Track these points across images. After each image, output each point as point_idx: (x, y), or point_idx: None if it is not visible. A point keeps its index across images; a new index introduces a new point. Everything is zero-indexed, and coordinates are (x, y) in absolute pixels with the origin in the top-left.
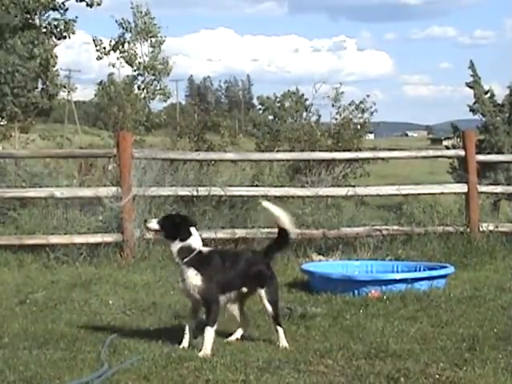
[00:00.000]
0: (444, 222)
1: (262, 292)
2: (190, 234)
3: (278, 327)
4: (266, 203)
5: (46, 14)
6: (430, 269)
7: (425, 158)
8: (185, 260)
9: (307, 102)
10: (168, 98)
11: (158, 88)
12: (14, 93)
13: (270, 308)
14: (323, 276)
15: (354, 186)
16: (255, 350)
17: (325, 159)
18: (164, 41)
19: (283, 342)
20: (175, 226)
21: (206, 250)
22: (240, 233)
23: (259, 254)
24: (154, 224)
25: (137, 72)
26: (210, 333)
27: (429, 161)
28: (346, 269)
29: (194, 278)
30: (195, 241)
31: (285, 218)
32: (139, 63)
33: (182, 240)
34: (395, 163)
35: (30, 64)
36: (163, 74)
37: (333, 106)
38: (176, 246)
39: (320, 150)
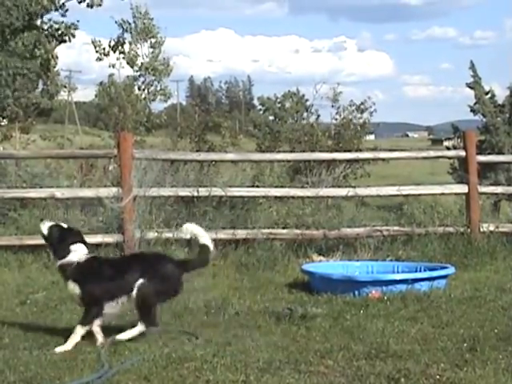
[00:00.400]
0: (444, 223)
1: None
2: (68, 252)
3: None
4: (187, 226)
5: (48, 16)
6: (431, 269)
7: (425, 159)
8: (66, 275)
9: (308, 103)
10: (168, 98)
11: (158, 89)
12: (14, 95)
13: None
14: (324, 276)
15: (354, 187)
16: (256, 350)
17: (325, 160)
18: (164, 41)
19: (122, 336)
20: (57, 242)
21: (84, 259)
22: (240, 233)
23: (177, 262)
24: (45, 228)
25: (137, 73)
26: (77, 331)
27: (429, 161)
28: (347, 269)
29: (73, 289)
30: (74, 256)
31: (206, 238)
32: (140, 64)
33: (61, 258)
34: (396, 164)
35: (31, 64)
36: (164, 75)
37: (332, 106)
38: (57, 263)
39: (320, 151)
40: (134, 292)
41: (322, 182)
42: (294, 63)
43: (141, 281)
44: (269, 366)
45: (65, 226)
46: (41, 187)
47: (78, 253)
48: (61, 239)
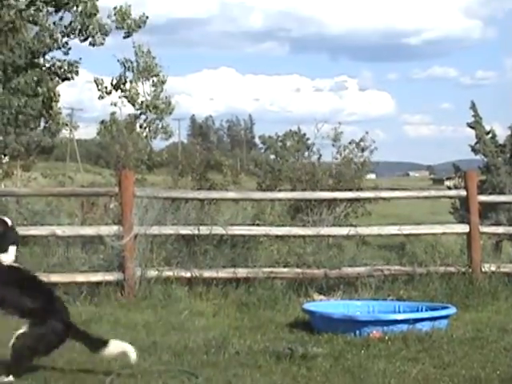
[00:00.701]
0: (446, 263)
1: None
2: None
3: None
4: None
5: (50, 54)
6: (432, 309)
7: (427, 198)
8: None
9: (309, 142)
10: (170, 136)
11: (160, 127)
12: (16, 132)
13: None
14: (324, 316)
15: (355, 226)
16: None
17: (326, 199)
18: (166, 80)
19: None
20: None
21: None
22: (241, 272)
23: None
24: None
25: (139, 111)
26: None
27: (430, 201)
28: (348, 309)
29: None
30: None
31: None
32: (141, 102)
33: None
34: (397, 203)
35: (33, 102)
36: (165, 113)
37: (333, 145)
38: None
39: (321, 190)
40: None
41: (322, 220)
42: (296, 102)
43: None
44: None
45: (10, 223)
46: (42, 225)
47: (10, 256)
48: (3, 235)
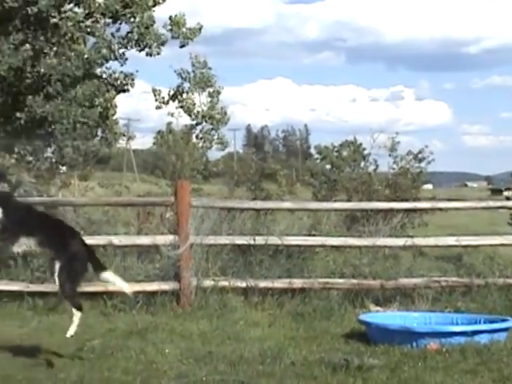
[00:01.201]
0: (505, 274)
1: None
2: None
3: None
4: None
5: (107, 65)
6: (491, 322)
7: (485, 209)
8: None
9: (365, 152)
10: (225, 147)
11: (215, 137)
12: (74, 143)
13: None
14: (381, 327)
15: (412, 237)
16: None
17: (382, 209)
18: (222, 90)
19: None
20: None
21: None
22: (297, 282)
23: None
24: None
25: (195, 121)
26: None
27: (489, 211)
28: (404, 320)
29: None
30: None
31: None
32: (197, 112)
33: None
34: (454, 213)
35: (90, 113)
36: (221, 124)
37: (389, 155)
38: None
39: (378, 200)
40: None
41: (379, 231)
42: (351, 112)
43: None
44: None
45: None
46: (99, 234)
47: None
48: None
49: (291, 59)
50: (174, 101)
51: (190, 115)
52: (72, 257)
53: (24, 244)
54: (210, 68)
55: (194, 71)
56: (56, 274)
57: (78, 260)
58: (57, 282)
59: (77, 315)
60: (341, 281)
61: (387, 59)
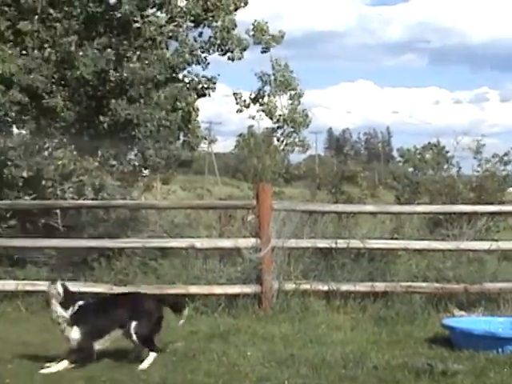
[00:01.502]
0: None
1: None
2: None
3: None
4: None
5: (189, 69)
6: None
7: None
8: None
9: (448, 154)
10: (307, 149)
11: (297, 140)
12: (156, 146)
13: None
14: (465, 332)
15: (496, 240)
16: None
17: (466, 212)
18: (303, 93)
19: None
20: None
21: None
22: (379, 286)
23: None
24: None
25: (276, 124)
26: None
27: None
28: (489, 325)
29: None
30: None
31: None
32: (279, 115)
33: None
34: None
35: (173, 116)
36: (302, 126)
37: (474, 158)
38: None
39: (462, 203)
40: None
41: (463, 234)
42: (434, 114)
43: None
44: None
45: None
46: (181, 237)
47: None
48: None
49: (373, 61)
50: (255, 104)
51: (272, 118)
52: (146, 313)
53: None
54: (291, 71)
55: (274, 74)
56: (132, 330)
57: (151, 315)
58: (134, 337)
59: (152, 355)
60: (424, 285)
61: (472, 60)
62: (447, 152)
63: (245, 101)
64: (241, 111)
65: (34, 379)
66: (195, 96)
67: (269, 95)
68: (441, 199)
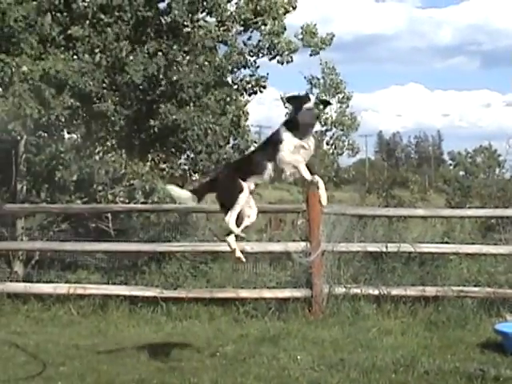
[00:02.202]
0: None
1: None
2: None
3: None
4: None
5: (238, 72)
6: None
7: None
8: None
9: (500, 158)
10: (357, 153)
11: (346, 143)
12: (206, 150)
13: None
14: None
15: None
16: None
17: None
18: (351, 96)
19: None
20: None
21: None
22: (430, 290)
23: None
24: None
25: (325, 127)
26: None
27: None
28: None
29: None
30: None
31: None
32: (327, 119)
33: None
34: None
35: (222, 121)
36: (351, 130)
37: None
38: None
39: None
40: None
41: None
42: (486, 117)
43: None
44: None
45: None
46: None
47: None
48: None
49: (423, 64)
50: None
51: (320, 121)
52: None
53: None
54: (337, 74)
55: (324, 77)
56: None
57: None
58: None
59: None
60: (476, 289)
61: None
62: (499, 155)
63: None
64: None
65: (85, 381)
66: (246, 99)
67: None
68: (493, 203)
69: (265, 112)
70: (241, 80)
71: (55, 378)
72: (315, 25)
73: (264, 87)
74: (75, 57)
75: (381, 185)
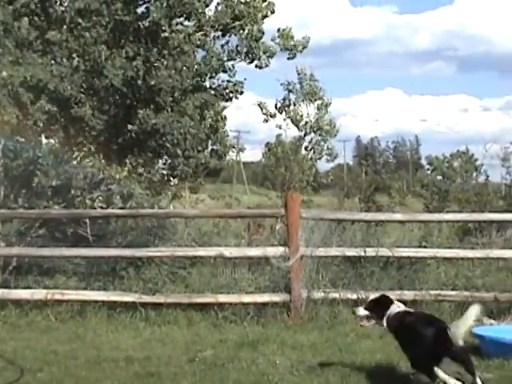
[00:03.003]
0: None
1: None
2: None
3: None
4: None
5: (216, 77)
6: None
7: None
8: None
9: (477, 163)
10: (335, 158)
11: (324, 148)
12: (184, 155)
13: None
14: (495, 341)
15: None
16: None
17: (496, 220)
18: (330, 103)
19: None
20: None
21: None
22: (408, 294)
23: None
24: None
25: (303, 133)
26: None
27: None
28: None
29: None
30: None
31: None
32: (305, 123)
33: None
34: None
35: (201, 126)
36: (330, 135)
37: (502, 166)
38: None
39: (491, 211)
40: None
41: (492, 243)
42: (463, 122)
43: None
44: None
45: None
46: (209, 246)
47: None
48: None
49: (401, 69)
50: (281, 113)
51: (298, 127)
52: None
53: None
54: (316, 80)
55: (300, 83)
56: None
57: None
58: None
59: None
60: (453, 293)
61: (500, 67)
62: (476, 160)
63: (269, 111)
64: (267, 121)
65: None
66: (223, 104)
67: (294, 104)
68: (470, 207)
69: (243, 117)
70: (218, 85)
71: None
72: (291, 28)
73: (241, 93)
74: (53, 62)
75: (362, 190)
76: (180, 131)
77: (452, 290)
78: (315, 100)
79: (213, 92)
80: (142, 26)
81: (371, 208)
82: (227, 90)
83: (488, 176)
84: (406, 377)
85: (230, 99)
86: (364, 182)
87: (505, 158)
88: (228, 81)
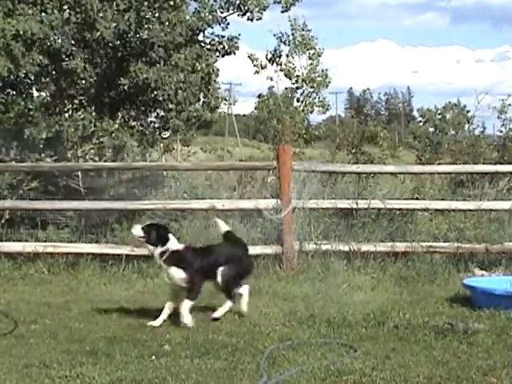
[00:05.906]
0: None
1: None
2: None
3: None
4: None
5: (209, 31)
6: None
7: None
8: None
9: (469, 114)
10: (327, 110)
11: (316, 100)
12: (177, 109)
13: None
14: (486, 291)
15: None
16: (415, 365)
17: (488, 172)
18: (322, 53)
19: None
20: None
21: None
22: (400, 246)
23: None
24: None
25: (295, 85)
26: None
27: None
28: (510, 284)
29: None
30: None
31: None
32: (297, 76)
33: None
34: None
35: (193, 78)
36: (322, 87)
37: (498, 118)
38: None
39: (484, 163)
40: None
41: (484, 195)
42: (455, 74)
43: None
44: (429, 381)
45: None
46: (202, 198)
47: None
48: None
49: (393, 21)
50: (272, 64)
51: (290, 78)
52: (237, 262)
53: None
54: (309, 30)
55: (293, 34)
56: (220, 273)
57: (241, 265)
58: (219, 279)
59: (228, 304)
60: (445, 244)
61: (493, 18)
62: (468, 112)
63: (261, 62)
64: (258, 73)
65: (56, 339)
66: (218, 56)
67: (287, 55)
68: (463, 159)
69: (235, 69)
70: (213, 40)
71: (27, 336)
72: None
73: (237, 48)
74: (43, 13)
75: (350, 141)
76: (170, 86)
77: (444, 241)
78: (307, 50)
79: (207, 46)
80: None
81: (360, 159)
82: (222, 46)
83: (485, 128)
84: (398, 328)
85: (228, 54)
86: (354, 133)
87: (502, 110)
88: (222, 36)
